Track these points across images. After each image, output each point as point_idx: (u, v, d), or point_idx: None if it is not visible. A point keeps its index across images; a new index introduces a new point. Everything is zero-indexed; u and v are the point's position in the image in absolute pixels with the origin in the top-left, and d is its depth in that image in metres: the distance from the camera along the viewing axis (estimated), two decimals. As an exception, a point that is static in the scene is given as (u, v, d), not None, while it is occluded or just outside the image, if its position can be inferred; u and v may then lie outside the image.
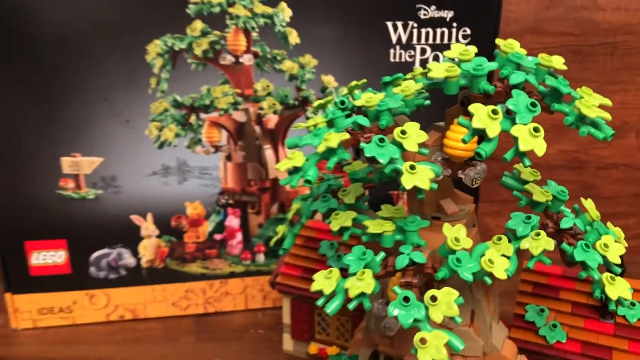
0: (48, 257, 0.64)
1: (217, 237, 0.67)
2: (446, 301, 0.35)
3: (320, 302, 0.38)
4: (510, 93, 0.35)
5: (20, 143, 0.60)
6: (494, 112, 0.33)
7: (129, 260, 0.66)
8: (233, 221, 0.67)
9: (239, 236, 0.67)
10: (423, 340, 0.34)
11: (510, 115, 0.34)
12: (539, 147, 0.32)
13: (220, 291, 0.69)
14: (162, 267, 0.67)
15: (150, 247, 0.66)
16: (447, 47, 0.62)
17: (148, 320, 0.68)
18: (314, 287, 0.38)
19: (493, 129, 0.33)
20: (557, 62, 0.38)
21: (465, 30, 0.62)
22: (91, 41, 0.57)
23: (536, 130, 0.33)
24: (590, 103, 0.34)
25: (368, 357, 0.48)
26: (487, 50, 0.62)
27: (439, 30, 0.61)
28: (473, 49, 0.37)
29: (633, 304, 0.50)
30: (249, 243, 0.68)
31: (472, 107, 0.34)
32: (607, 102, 0.35)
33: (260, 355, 0.61)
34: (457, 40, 0.62)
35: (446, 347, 0.35)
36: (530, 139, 0.33)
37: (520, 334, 0.50)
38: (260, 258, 0.68)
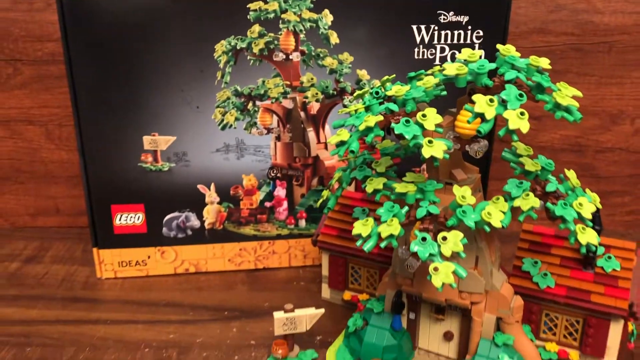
0: (129, 218, 0.76)
1: (267, 204, 0.78)
2: (454, 240, 0.46)
3: (359, 243, 0.50)
4: (505, 86, 0.46)
5: (111, 124, 0.71)
6: (491, 100, 0.44)
7: (194, 222, 0.77)
8: (280, 191, 0.78)
9: (285, 204, 0.78)
10: (436, 269, 0.46)
11: (504, 103, 0.45)
12: (524, 126, 0.44)
13: (268, 250, 0.80)
14: (221, 229, 0.78)
15: (212, 212, 0.77)
16: (463, 46, 0.72)
17: (208, 273, 0.79)
18: (354, 231, 0.50)
19: (490, 113, 0.44)
20: (544, 62, 0.49)
21: (478, 32, 0.72)
22: (170, 42, 0.68)
23: (522, 114, 0.44)
24: (565, 94, 0.45)
25: (393, 296, 0.60)
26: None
27: (456, 32, 0.71)
28: (478, 53, 0.48)
29: (609, 257, 0.61)
30: (293, 210, 0.79)
31: (475, 97, 0.45)
32: (578, 93, 0.46)
33: (303, 301, 0.72)
34: (472, 41, 0.72)
35: (453, 275, 0.47)
36: (518, 120, 0.44)
37: (517, 281, 0.61)
38: (302, 223, 0.79)
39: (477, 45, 0.72)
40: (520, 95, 0.44)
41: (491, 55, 0.63)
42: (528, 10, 0.82)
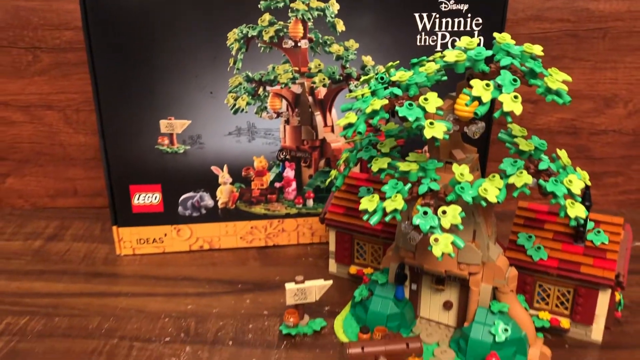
0: (146, 198, 0.79)
1: (277, 185, 0.82)
2: (453, 214, 0.51)
3: (365, 217, 0.54)
4: (500, 72, 0.50)
5: (129, 109, 0.74)
6: (487, 85, 0.48)
7: (208, 201, 0.81)
8: (289, 172, 0.81)
9: (294, 185, 0.82)
10: (436, 240, 0.50)
11: (499, 87, 0.49)
12: (517, 108, 0.47)
13: (278, 228, 0.84)
14: (233, 208, 0.82)
15: (225, 192, 0.81)
16: (463, 33, 0.75)
17: (221, 250, 0.83)
18: (361, 206, 0.54)
19: (486, 97, 0.48)
20: (537, 49, 0.52)
21: (477, 20, 0.75)
22: (185, 32, 0.71)
23: (516, 97, 0.48)
24: (555, 79, 0.49)
25: (396, 268, 0.64)
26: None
27: (456, 20, 0.74)
28: (476, 41, 0.52)
29: (599, 232, 0.65)
30: (301, 190, 0.83)
31: (472, 82, 0.49)
32: (568, 78, 0.50)
33: (311, 276, 0.74)
34: (471, 28, 0.75)
35: (452, 246, 0.51)
36: (511, 103, 0.48)
37: (512, 254, 0.65)
38: (310, 203, 0.83)
39: (476, 33, 0.75)
40: (514, 80, 0.48)
41: (490, 42, 0.67)
42: (526, -2, 0.86)
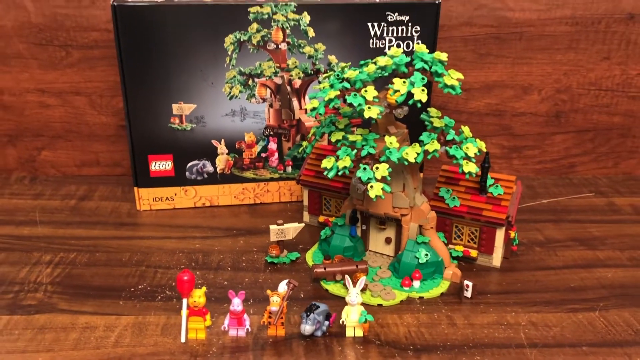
0: (161, 165, 0.95)
1: (263, 155, 0.97)
2: (382, 169, 0.73)
3: (325, 173, 0.77)
4: (414, 73, 0.72)
5: (148, 95, 0.91)
6: (404, 82, 0.71)
7: (209, 168, 0.97)
8: (272, 145, 0.97)
9: (276, 155, 0.98)
10: (371, 186, 0.73)
11: (412, 83, 0.71)
12: (424, 97, 0.70)
13: (264, 189, 1.01)
14: (229, 173, 0.98)
15: (222, 160, 0.97)
16: (405, 38, 0.95)
17: (220, 206, 1.03)
18: (322, 165, 0.76)
19: (403, 89, 0.70)
20: (443, 56, 0.75)
21: (416, 28, 0.95)
22: (193, 36, 0.89)
23: (423, 90, 0.70)
24: (451, 77, 0.72)
25: (350, 213, 0.87)
26: (431, 38, 0.96)
27: (400, 28, 0.94)
28: (400, 50, 0.74)
29: (497, 186, 0.87)
30: (282, 159, 0.99)
31: (394, 79, 0.71)
32: (461, 76, 0.72)
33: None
34: (411, 34, 0.97)
35: (383, 192, 0.74)
36: (420, 94, 0.70)
37: (435, 203, 0.84)
38: (289, 169, 0.99)
39: (415, 37, 0.97)
40: (423, 78, 0.71)
41: (426, 44, 0.89)
42: (458, 8, 1.06)
